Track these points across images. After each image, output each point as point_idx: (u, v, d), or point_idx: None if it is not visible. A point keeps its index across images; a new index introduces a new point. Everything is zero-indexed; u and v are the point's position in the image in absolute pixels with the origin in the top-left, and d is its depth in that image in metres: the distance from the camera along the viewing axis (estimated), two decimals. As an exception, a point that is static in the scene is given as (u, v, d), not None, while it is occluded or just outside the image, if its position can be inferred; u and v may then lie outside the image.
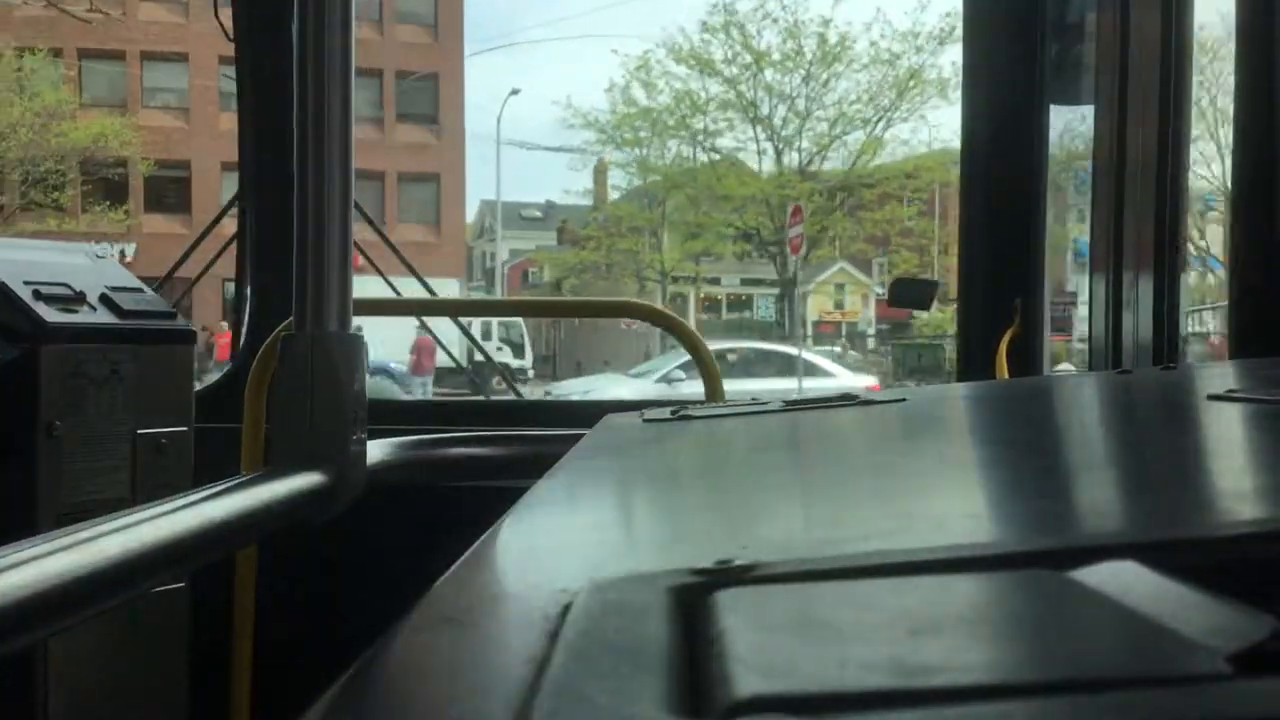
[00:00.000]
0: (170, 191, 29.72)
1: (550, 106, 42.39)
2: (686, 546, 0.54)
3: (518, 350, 28.07)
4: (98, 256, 2.19)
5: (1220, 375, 1.27)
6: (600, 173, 33.55)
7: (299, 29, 1.44)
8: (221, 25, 2.62)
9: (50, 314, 1.88)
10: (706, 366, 2.22)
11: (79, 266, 2.07)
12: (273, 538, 1.48)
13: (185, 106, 30.59)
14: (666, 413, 1.16)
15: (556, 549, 0.63)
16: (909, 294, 3.42)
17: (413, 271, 3.28)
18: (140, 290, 2.13)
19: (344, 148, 1.44)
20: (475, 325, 27.81)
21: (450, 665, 0.40)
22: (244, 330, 2.68)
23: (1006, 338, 2.34)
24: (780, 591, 0.39)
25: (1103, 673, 0.29)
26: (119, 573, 1.01)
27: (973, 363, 2.44)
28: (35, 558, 0.93)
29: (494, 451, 2.19)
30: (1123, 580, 0.36)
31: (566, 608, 0.39)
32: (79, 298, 1.96)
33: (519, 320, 27.24)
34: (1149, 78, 2.07)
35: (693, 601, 0.38)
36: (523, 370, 27.62)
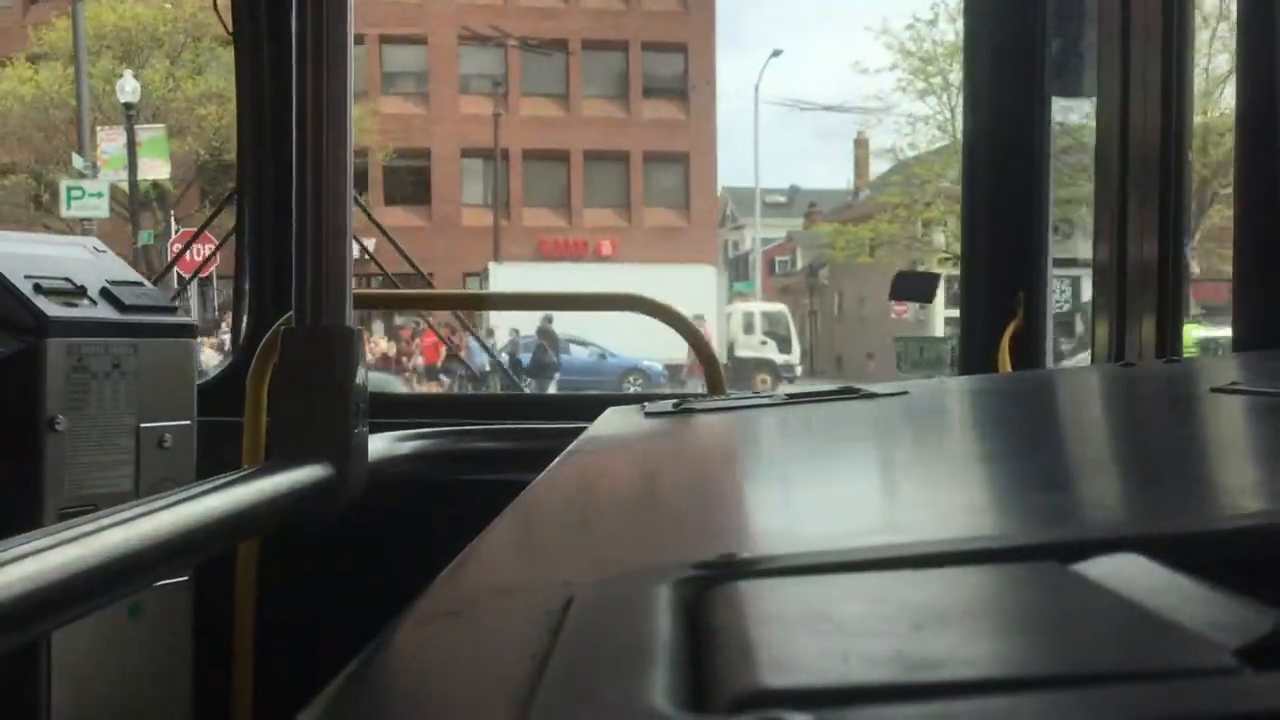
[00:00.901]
0: (408, 181, 27.36)
1: (798, 74, 37.58)
2: (689, 540, 0.54)
3: (784, 344, 25.55)
4: (97, 250, 2.18)
5: (1223, 368, 1.27)
6: (861, 145, 30.02)
7: (298, 17, 1.44)
8: (220, 16, 2.62)
9: (51, 307, 1.88)
10: (707, 360, 2.22)
11: (79, 260, 2.07)
12: (275, 531, 1.48)
13: (424, 92, 28.03)
14: (668, 406, 1.15)
15: (558, 543, 0.63)
16: (911, 287, 3.42)
17: (403, 255, 3.29)
18: (140, 284, 2.12)
19: (343, 138, 1.44)
20: (737, 317, 25.55)
21: (452, 659, 0.40)
22: (244, 323, 2.68)
23: (1009, 331, 2.33)
24: (784, 585, 0.39)
25: (1108, 666, 0.29)
26: (122, 567, 1.01)
27: (975, 356, 2.44)
28: (38, 552, 0.93)
29: (496, 445, 2.20)
30: (1127, 574, 0.36)
31: (569, 602, 0.39)
32: (80, 291, 1.96)
33: (783, 310, 24.68)
34: (1151, 69, 2.07)
35: (696, 596, 0.38)
36: (789, 367, 24.98)
